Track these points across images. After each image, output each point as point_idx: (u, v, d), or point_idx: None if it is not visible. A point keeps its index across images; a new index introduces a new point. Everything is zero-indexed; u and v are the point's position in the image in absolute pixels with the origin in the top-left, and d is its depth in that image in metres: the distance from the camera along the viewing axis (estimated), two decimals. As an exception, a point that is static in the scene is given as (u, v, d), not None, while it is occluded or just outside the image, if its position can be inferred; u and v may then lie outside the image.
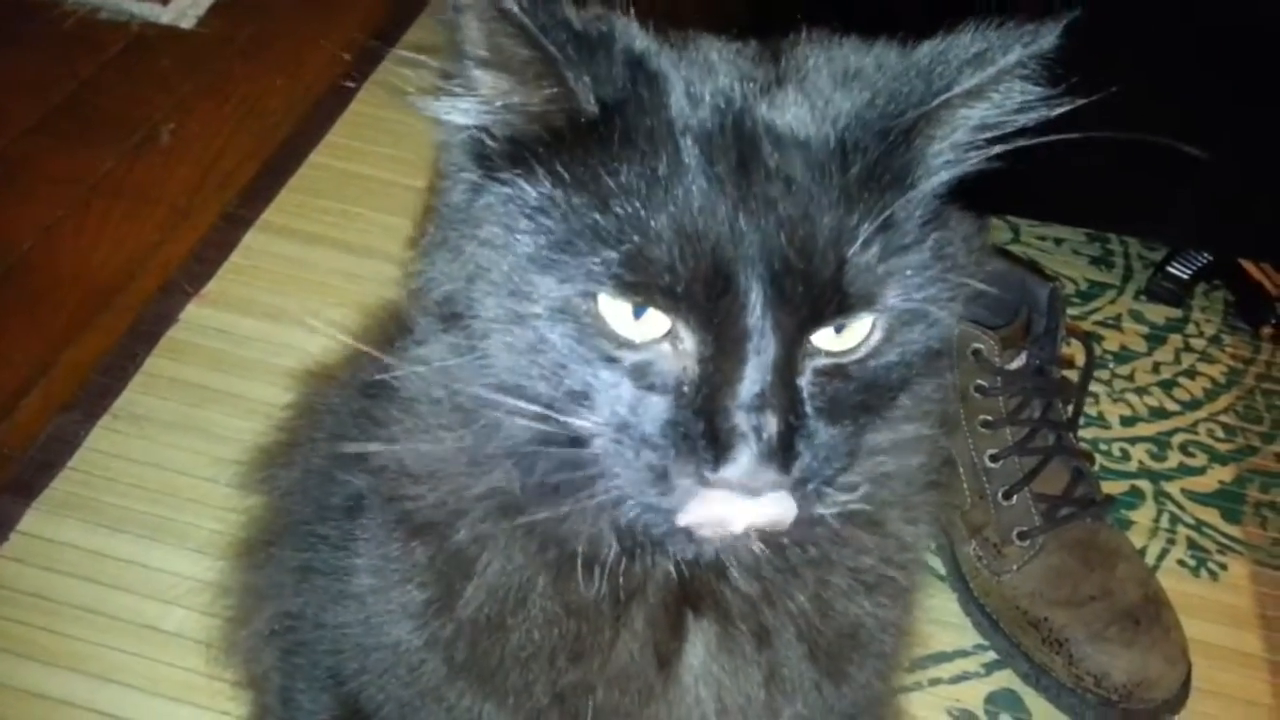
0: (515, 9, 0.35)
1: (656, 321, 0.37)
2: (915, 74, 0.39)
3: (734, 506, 0.37)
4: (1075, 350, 0.99)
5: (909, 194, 0.38)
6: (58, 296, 1.00)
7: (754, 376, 0.36)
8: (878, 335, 0.39)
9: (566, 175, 0.37)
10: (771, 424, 0.36)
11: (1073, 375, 0.95)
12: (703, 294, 0.36)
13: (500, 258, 0.38)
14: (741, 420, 0.36)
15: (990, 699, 0.84)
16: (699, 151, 0.36)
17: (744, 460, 0.35)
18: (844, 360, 0.39)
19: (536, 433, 0.39)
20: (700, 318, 0.36)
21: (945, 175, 0.40)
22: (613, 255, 0.36)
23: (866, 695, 0.54)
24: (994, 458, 0.88)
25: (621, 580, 0.44)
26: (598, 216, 0.36)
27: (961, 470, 0.88)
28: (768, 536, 0.41)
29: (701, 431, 0.36)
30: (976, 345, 0.89)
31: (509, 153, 0.39)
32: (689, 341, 0.37)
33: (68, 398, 0.92)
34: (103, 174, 1.12)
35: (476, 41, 0.37)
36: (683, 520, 0.38)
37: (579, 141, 0.37)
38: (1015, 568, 0.85)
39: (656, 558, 0.44)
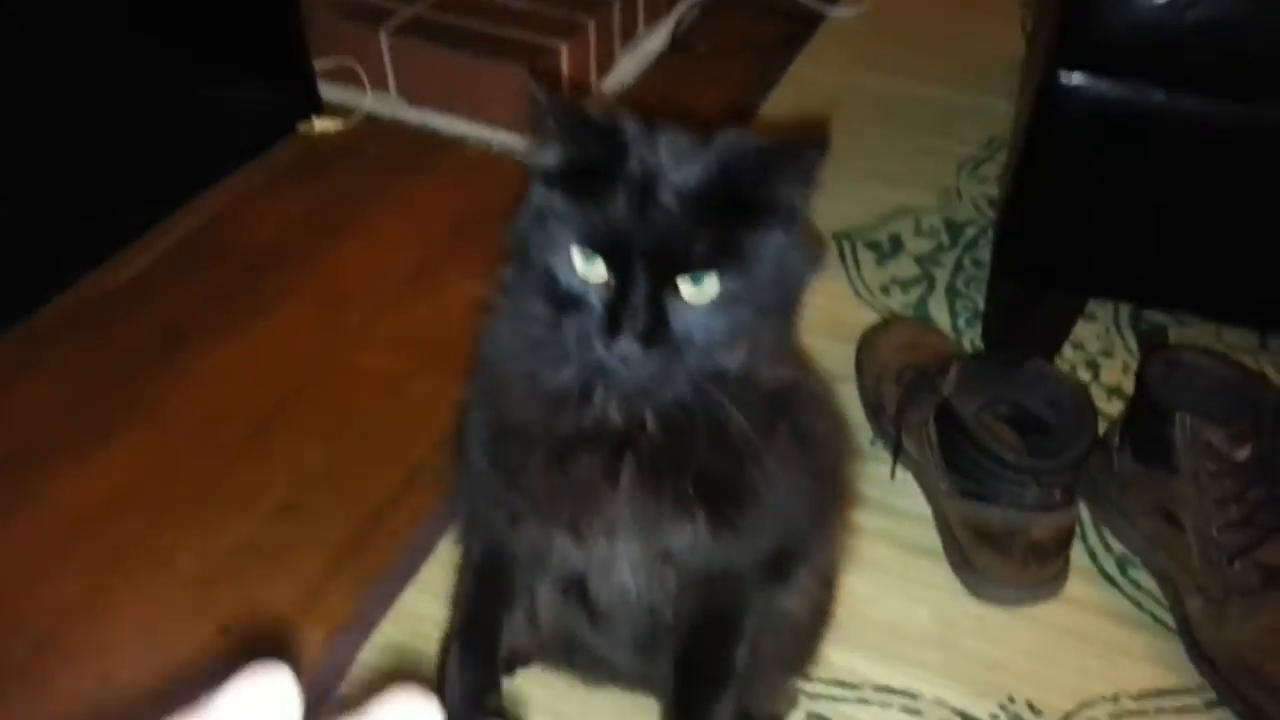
0: (555, 110, 0.66)
1: (599, 268, 0.65)
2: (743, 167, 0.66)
3: (623, 362, 0.65)
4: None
5: (738, 223, 0.65)
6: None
7: (636, 299, 0.64)
8: (715, 291, 0.64)
9: (567, 191, 0.66)
10: (640, 322, 0.63)
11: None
12: (616, 256, 0.64)
13: (540, 226, 0.67)
14: (626, 319, 0.64)
15: (1210, 730, 1.02)
16: (624, 193, 0.64)
17: (624, 337, 0.64)
18: (697, 302, 0.65)
19: (542, 315, 0.69)
20: (614, 268, 0.64)
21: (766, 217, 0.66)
22: (581, 232, 0.65)
23: (753, 554, 0.78)
24: (1220, 529, 1.06)
25: (585, 423, 0.71)
26: (581, 215, 0.65)
27: (1191, 538, 1.07)
28: (662, 399, 0.69)
29: (609, 322, 0.64)
30: (1209, 437, 1.08)
31: (548, 177, 0.67)
32: (611, 280, 0.65)
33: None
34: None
35: (540, 123, 0.67)
36: (603, 361, 0.66)
37: (575, 179, 0.66)
38: (1235, 621, 1.02)
39: (606, 407, 0.71)
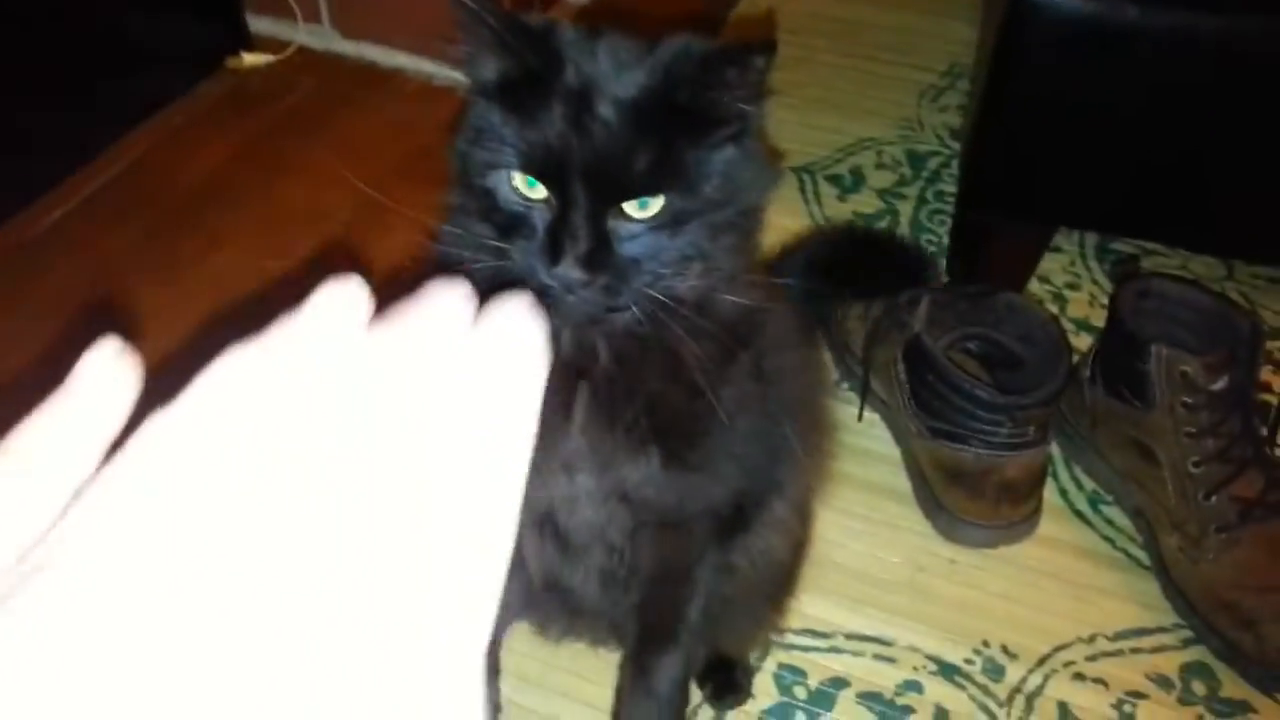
0: (487, 15, 0.61)
1: (540, 190, 0.61)
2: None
3: (565, 286, 0.62)
4: (1273, 377, 1.13)
5: (682, 136, 0.62)
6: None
7: (577, 221, 0.61)
8: (660, 209, 0.62)
9: (504, 107, 0.62)
10: (582, 245, 0.60)
11: (1271, 399, 1.09)
12: (554, 176, 0.61)
13: (479, 144, 0.64)
14: (566, 242, 0.61)
15: (1185, 668, 0.99)
16: (560, 107, 0.60)
17: (565, 261, 0.61)
18: (642, 221, 0.62)
19: (488, 238, 0.65)
20: (554, 189, 0.61)
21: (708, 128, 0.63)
22: (520, 152, 0.61)
23: (705, 499, 0.75)
24: (1196, 464, 1.03)
25: None
26: (517, 132, 0.61)
27: (1167, 473, 1.04)
28: (613, 327, 0.66)
29: (551, 245, 0.61)
30: (1184, 368, 1.04)
31: (484, 91, 0.64)
32: (552, 200, 0.62)
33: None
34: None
35: (470, 32, 0.63)
36: (547, 281, 0.62)
37: (511, 91, 0.62)
38: (1211, 557, 1.00)
39: (558, 336, 0.67)
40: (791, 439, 0.78)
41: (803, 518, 0.89)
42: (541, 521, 0.77)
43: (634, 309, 0.64)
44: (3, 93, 1.35)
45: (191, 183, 1.47)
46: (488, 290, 0.62)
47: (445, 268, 0.72)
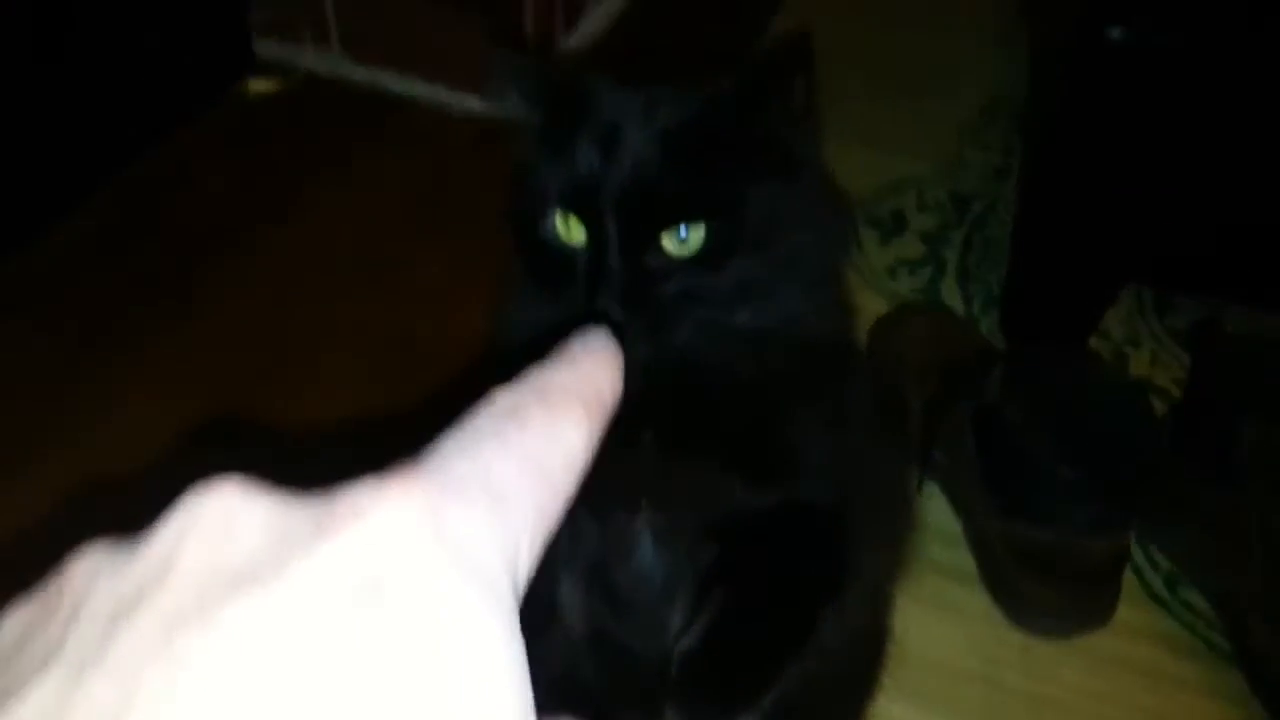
0: (523, 79, 0.63)
1: (579, 230, 0.60)
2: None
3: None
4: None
5: (721, 165, 0.60)
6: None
7: (611, 256, 0.59)
8: (698, 244, 0.59)
9: (544, 147, 0.62)
10: (617, 282, 0.58)
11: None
12: (588, 210, 0.59)
13: (526, 197, 0.63)
14: (601, 279, 0.59)
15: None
16: (592, 138, 0.60)
17: (600, 299, 0.58)
18: (682, 256, 0.59)
19: (543, 292, 0.64)
20: (589, 224, 0.60)
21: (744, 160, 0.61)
22: (556, 189, 0.61)
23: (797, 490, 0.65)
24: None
25: None
26: (554, 169, 0.61)
27: (1256, 555, 0.95)
28: (674, 361, 0.62)
29: (588, 284, 0.59)
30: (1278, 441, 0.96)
31: (527, 142, 0.64)
32: (589, 240, 0.60)
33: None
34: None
35: (507, 82, 0.64)
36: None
37: (549, 136, 0.62)
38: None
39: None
40: (873, 498, 0.70)
41: (875, 616, 0.80)
42: (591, 575, 0.68)
43: (694, 342, 0.61)
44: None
45: (195, 215, 1.38)
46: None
47: (505, 350, 0.69)
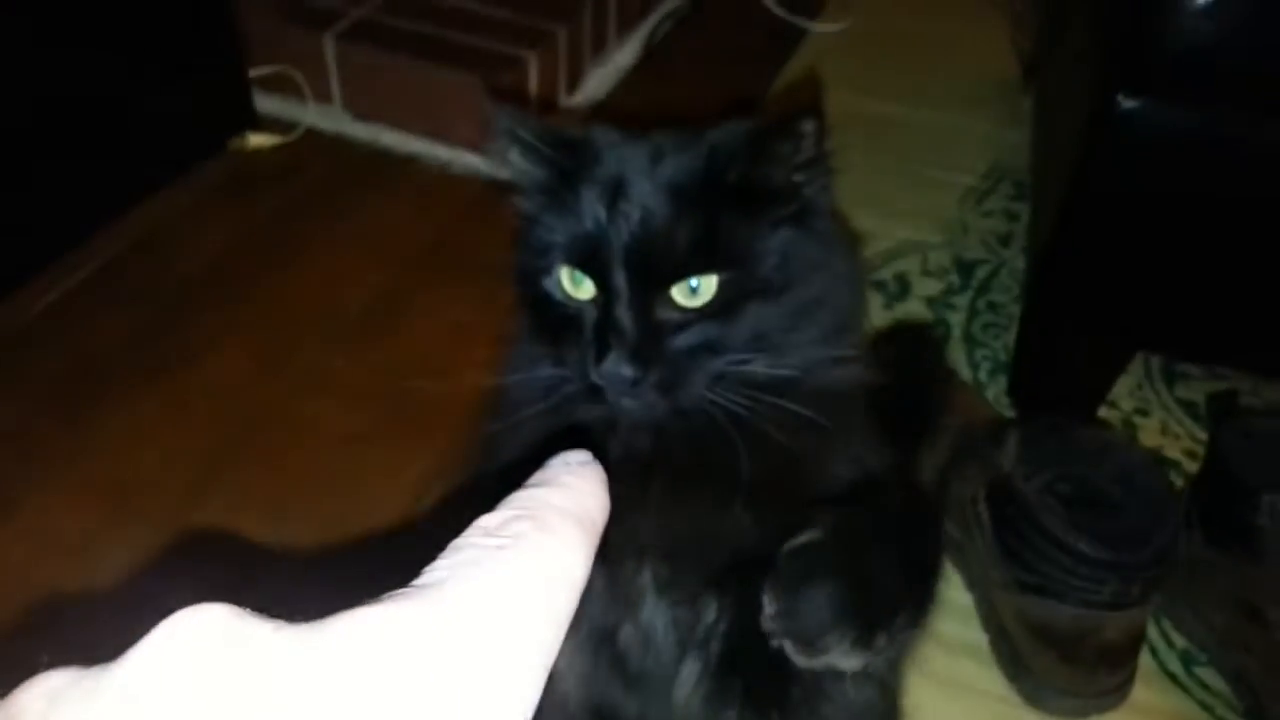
0: (526, 136, 0.62)
1: (587, 286, 0.59)
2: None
3: (614, 386, 0.58)
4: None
5: (729, 215, 0.59)
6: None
7: (621, 312, 0.57)
8: (709, 296, 0.58)
9: (548, 202, 0.62)
10: (628, 338, 0.57)
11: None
12: (596, 266, 0.59)
13: (530, 254, 0.63)
14: (612, 336, 0.57)
15: None
16: (598, 193, 0.59)
17: (611, 357, 0.57)
18: (693, 309, 0.58)
19: (547, 350, 0.63)
20: (597, 280, 0.59)
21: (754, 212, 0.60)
22: (562, 245, 0.60)
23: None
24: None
25: (613, 455, 0.60)
26: (559, 224, 0.60)
27: (1277, 635, 0.93)
28: (684, 418, 0.60)
29: (597, 341, 0.58)
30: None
31: (529, 195, 0.64)
32: (599, 296, 0.59)
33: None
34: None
35: (509, 141, 0.63)
36: (596, 381, 0.58)
37: (553, 192, 0.62)
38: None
39: (631, 436, 0.61)
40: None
41: (892, 687, 0.76)
42: (599, 641, 0.64)
43: (708, 395, 0.59)
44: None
45: (190, 271, 1.35)
46: (547, 437, 0.56)
47: (507, 409, 0.65)
